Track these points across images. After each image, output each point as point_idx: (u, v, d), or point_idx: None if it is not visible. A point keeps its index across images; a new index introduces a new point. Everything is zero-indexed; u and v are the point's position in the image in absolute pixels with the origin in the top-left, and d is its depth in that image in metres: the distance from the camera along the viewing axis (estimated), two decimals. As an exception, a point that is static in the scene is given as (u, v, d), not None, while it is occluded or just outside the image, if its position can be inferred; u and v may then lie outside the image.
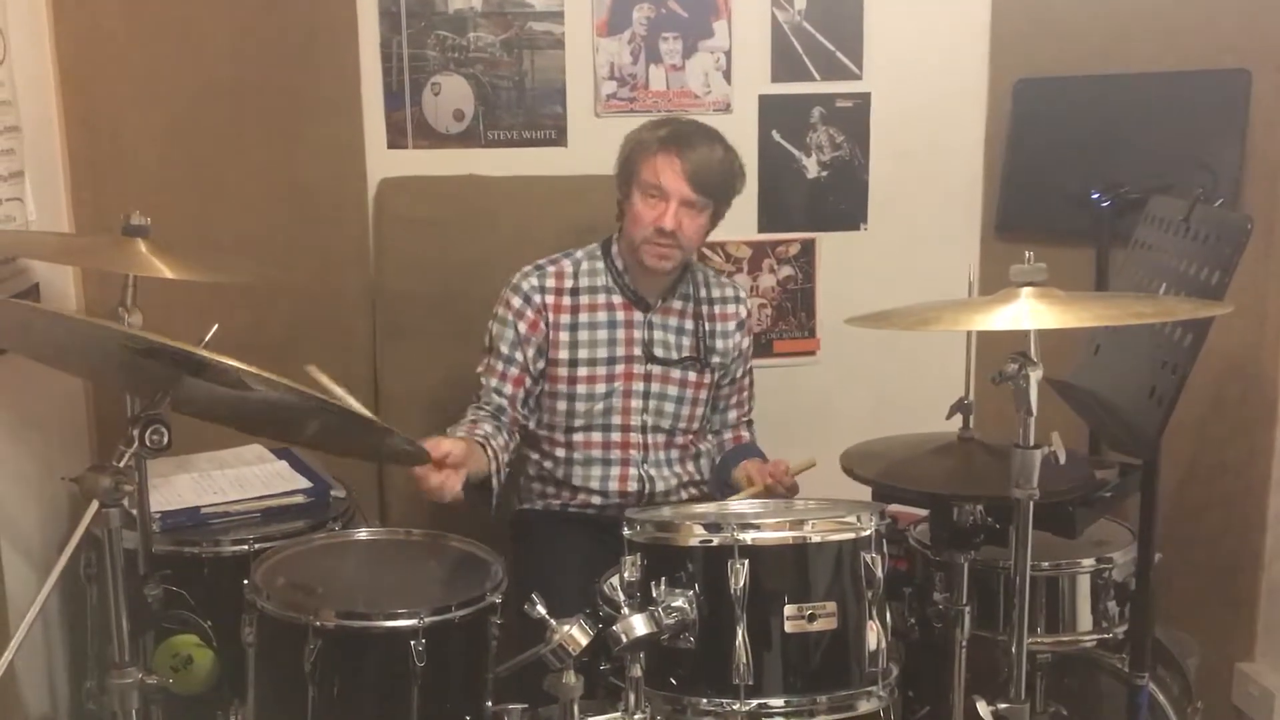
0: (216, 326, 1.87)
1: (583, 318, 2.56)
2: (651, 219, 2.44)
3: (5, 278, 2.29)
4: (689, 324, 2.63)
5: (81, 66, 2.59)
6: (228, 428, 2.08)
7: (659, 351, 2.60)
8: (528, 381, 2.54)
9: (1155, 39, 2.95)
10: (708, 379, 2.65)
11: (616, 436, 2.59)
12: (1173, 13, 2.94)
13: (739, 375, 2.73)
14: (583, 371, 2.56)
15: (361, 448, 2.27)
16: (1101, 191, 2.90)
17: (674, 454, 2.64)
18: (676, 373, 2.61)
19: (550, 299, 2.55)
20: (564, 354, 2.55)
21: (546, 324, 2.54)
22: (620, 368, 2.58)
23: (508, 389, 2.53)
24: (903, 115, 3.14)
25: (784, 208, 3.15)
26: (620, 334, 2.58)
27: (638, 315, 2.59)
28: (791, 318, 3.21)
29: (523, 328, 2.53)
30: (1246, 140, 2.84)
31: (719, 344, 2.65)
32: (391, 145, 2.97)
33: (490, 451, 2.39)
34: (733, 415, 2.76)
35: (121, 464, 1.66)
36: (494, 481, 2.40)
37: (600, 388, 2.57)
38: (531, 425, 2.60)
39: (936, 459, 2.26)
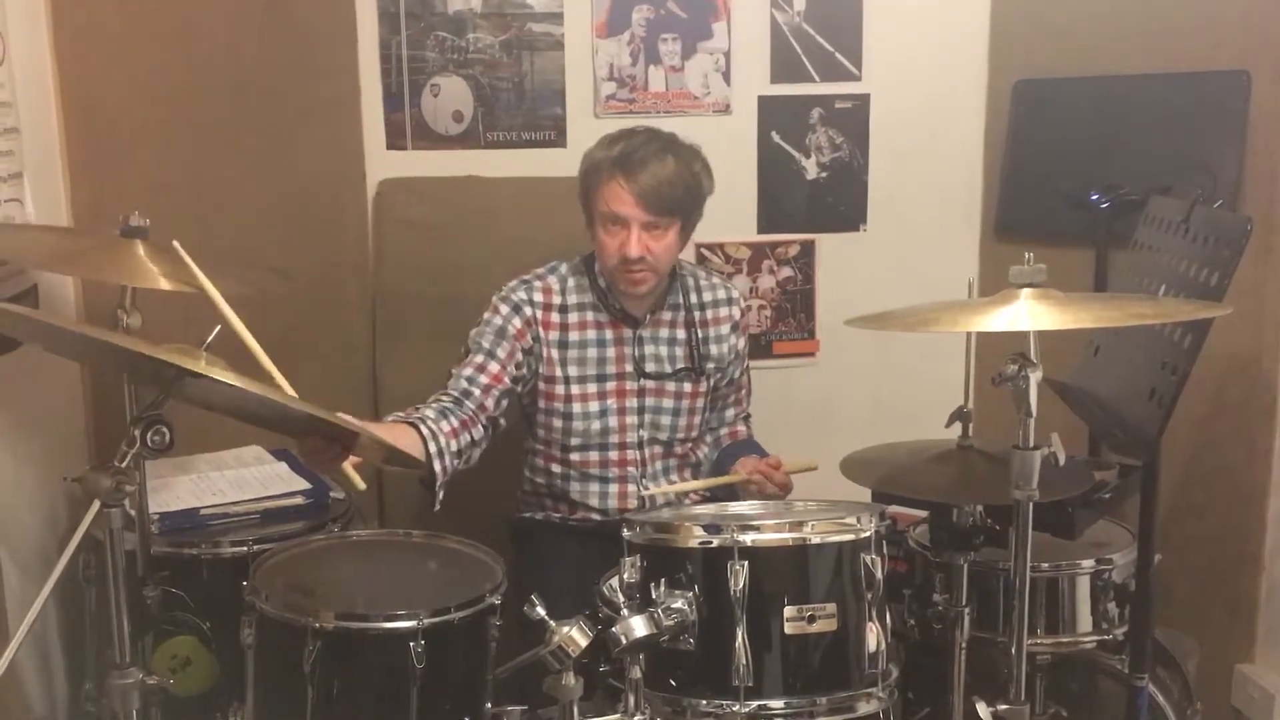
0: (219, 328, 1.87)
1: (572, 336, 2.53)
2: (616, 248, 2.39)
3: (3, 279, 2.28)
4: (680, 334, 2.59)
5: (80, 67, 2.58)
6: (230, 420, 2.07)
7: (651, 367, 2.56)
8: (506, 380, 2.45)
9: (1154, 40, 2.95)
10: (704, 387, 2.62)
11: (614, 454, 2.56)
12: (1172, 14, 2.93)
13: (737, 375, 2.71)
14: (575, 390, 2.53)
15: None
16: (1101, 192, 2.89)
17: (672, 463, 2.63)
18: (671, 385, 2.58)
19: (539, 313, 2.50)
20: (557, 371, 2.52)
21: (536, 338, 2.50)
22: (612, 385, 2.55)
23: (481, 379, 2.42)
24: (902, 116, 3.14)
25: (783, 209, 3.15)
26: (610, 352, 2.54)
27: (627, 332, 2.55)
28: (791, 319, 3.21)
29: (503, 327, 2.47)
30: (1246, 141, 2.84)
31: (713, 350, 2.62)
32: (391, 146, 2.97)
33: (426, 431, 2.26)
34: (730, 413, 2.74)
35: (123, 464, 1.65)
36: (435, 464, 2.25)
37: (594, 406, 2.54)
38: (505, 428, 2.52)
39: (936, 467, 2.25)
